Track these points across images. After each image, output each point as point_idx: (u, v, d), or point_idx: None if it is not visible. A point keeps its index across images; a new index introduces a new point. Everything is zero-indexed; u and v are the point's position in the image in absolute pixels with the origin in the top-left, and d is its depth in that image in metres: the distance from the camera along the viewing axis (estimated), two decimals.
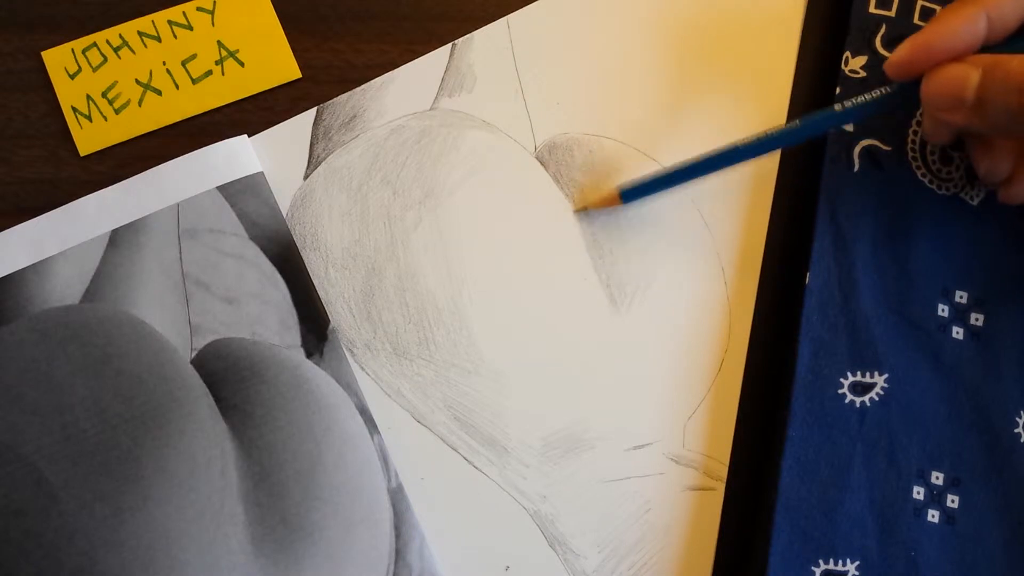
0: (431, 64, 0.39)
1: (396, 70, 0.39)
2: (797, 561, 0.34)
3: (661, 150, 0.39)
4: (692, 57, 0.40)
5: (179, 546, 0.33)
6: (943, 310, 0.36)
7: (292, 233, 0.37)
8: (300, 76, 0.39)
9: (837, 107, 0.33)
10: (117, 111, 0.38)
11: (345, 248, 0.38)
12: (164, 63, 0.39)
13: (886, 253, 0.36)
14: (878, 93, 0.33)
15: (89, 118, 0.38)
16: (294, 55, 0.39)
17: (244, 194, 0.37)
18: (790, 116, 0.39)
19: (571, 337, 0.37)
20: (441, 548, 0.35)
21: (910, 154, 0.37)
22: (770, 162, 0.38)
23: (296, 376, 0.35)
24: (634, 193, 0.37)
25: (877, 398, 0.35)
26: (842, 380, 0.35)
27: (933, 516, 0.34)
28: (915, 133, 0.37)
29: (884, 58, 0.38)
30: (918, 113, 0.37)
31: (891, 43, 0.38)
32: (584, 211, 0.38)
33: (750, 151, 0.34)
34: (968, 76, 0.31)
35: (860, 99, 0.33)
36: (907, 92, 0.33)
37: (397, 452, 0.35)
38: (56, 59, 0.38)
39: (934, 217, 0.36)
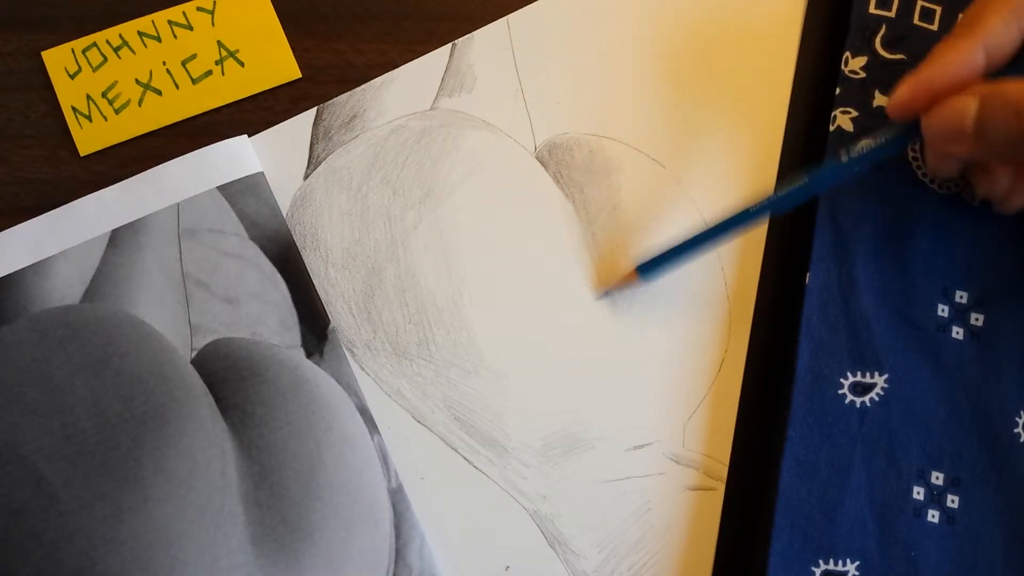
0: (431, 64, 0.39)
1: (396, 70, 0.39)
2: (797, 561, 0.34)
3: (661, 150, 0.39)
4: (692, 57, 0.40)
5: (179, 546, 0.33)
6: (943, 310, 0.36)
7: (292, 233, 0.37)
8: (300, 76, 0.39)
9: (844, 158, 0.33)
10: (117, 111, 0.38)
11: (345, 248, 0.38)
12: (164, 63, 0.39)
13: (886, 253, 0.36)
14: (883, 139, 0.33)
15: (89, 118, 0.38)
16: (294, 55, 0.39)
17: (244, 194, 0.37)
18: (789, 117, 0.39)
19: (571, 337, 0.37)
20: (441, 548, 0.35)
21: (910, 154, 0.37)
22: (770, 162, 0.38)
23: (296, 376, 0.35)
24: (652, 267, 0.36)
25: (877, 398, 0.35)
26: (842, 380, 0.35)
27: (933, 516, 0.34)
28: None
29: (884, 58, 0.38)
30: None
31: (891, 43, 0.38)
32: (606, 294, 0.37)
33: (762, 210, 0.34)
34: (967, 106, 0.30)
35: (867, 147, 0.33)
36: (909, 131, 0.33)
37: (397, 452, 0.35)
38: (56, 59, 0.38)
39: (934, 217, 0.36)
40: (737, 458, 0.36)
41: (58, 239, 0.36)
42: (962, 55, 0.31)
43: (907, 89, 0.32)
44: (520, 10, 0.40)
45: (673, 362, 0.37)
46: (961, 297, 0.36)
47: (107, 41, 0.39)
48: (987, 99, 0.30)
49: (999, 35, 0.31)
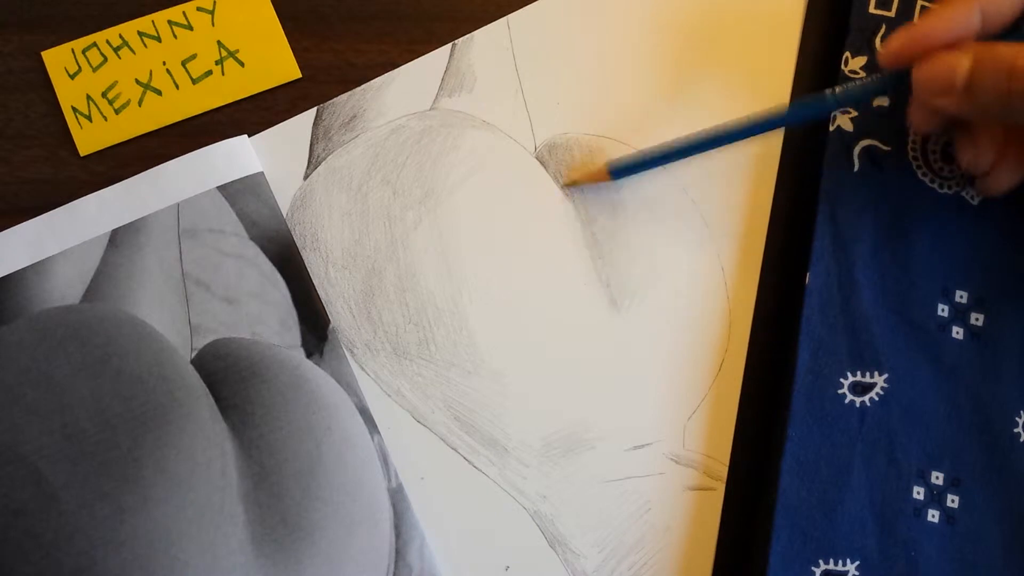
0: (431, 64, 0.39)
1: (396, 70, 0.39)
2: (797, 561, 0.34)
3: None
4: (692, 57, 0.40)
5: (179, 546, 0.33)
6: (943, 310, 0.36)
7: (292, 233, 0.37)
8: (300, 76, 0.39)
9: (828, 92, 0.33)
10: (117, 111, 0.38)
11: (345, 248, 0.38)
12: (164, 63, 0.39)
13: (886, 253, 0.36)
14: (870, 80, 0.33)
15: (89, 118, 0.38)
16: (294, 55, 0.39)
17: (244, 194, 0.37)
18: None
19: (571, 337, 0.37)
20: (441, 548, 0.35)
21: (911, 153, 0.37)
22: (770, 162, 0.38)
23: (296, 376, 0.35)
24: (623, 170, 0.37)
25: (877, 398, 0.35)
26: (842, 380, 0.35)
27: (933, 516, 0.34)
28: (915, 132, 0.37)
29: None
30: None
31: None
32: (573, 185, 0.38)
33: (740, 133, 0.35)
34: (959, 61, 0.31)
35: (851, 85, 0.33)
36: (898, 79, 0.33)
37: (397, 452, 0.35)
38: (56, 59, 0.38)
39: (934, 217, 0.36)
40: (737, 458, 0.36)
41: (58, 239, 0.36)
42: (959, 13, 0.32)
43: (901, 38, 0.32)
44: (520, 10, 0.40)
45: (673, 362, 0.37)
46: (961, 297, 0.36)
47: (107, 41, 0.39)
48: (980, 57, 0.31)
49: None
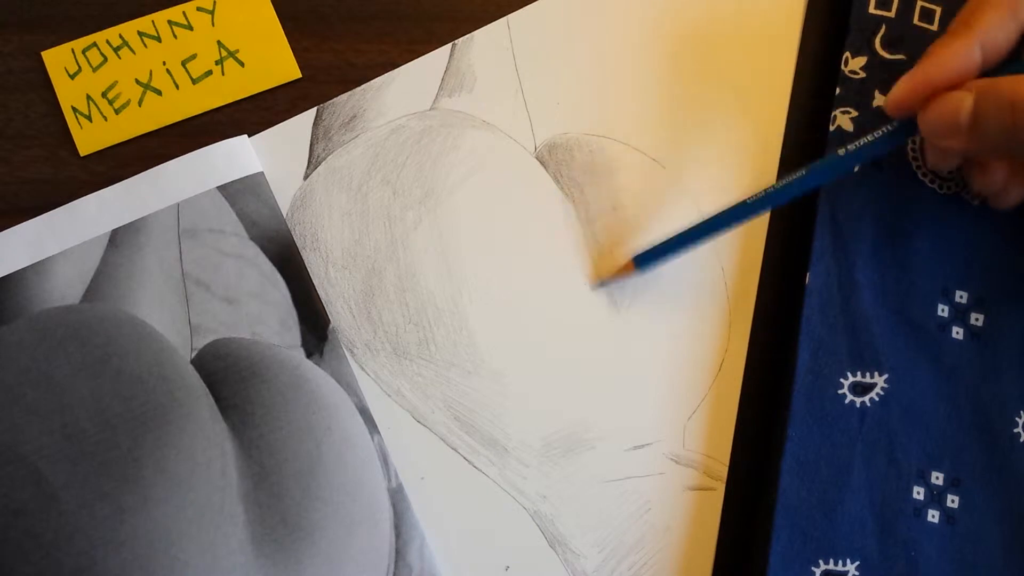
0: (431, 64, 0.39)
1: (396, 70, 0.39)
2: (797, 561, 0.34)
3: (661, 150, 0.39)
4: (692, 57, 0.40)
5: (179, 546, 0.33)
6: (943, 310, 0.36)
7: (292, 233, 0.37)
8: (300, 76, 0.39)
9: (841, 151, 0.33)
10: (117, 111, 0.38)
11: (345, 248, 0.38)
12: (164, 63, 0.39)
13: (886, 253, 0.36)
14: (880, 132, 0.33)
15: (89, 118, 0.38)
16: (294, 55, 0.39)
17: (244, 194, 0.37)
18: (789, 117, 0.39)
19: (571, 337, 0.37)
20: (441, 548, 0.35)
21: (911, 154, 0.37)
22: (770, 162, 0.38)
23: (296, 376, 0.35)
24: (648, 258, 0.36)
25: (877, 398, 0.35)
26: (842, 380, 0.35)
27: (933, 516, 0.34)
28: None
29: (884, 58, 0.38)
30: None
31: (891, 43, 0.38)
32: (601, 284, 0.37)
33: (758, 206, 0.34)
34: (962, 101, 0.31)
35: (863, 141, 0.33)
36: (907, 126, 0.33)
37: (397, 452, 0.35)
38: (56, 59, 0.38)
39: (934, 217, 0.37)
40: (737, 458, 0.36)
41: (58, 239, 0.36)
42: (958, 52, 0.32)
43: (904, 86, 0.33)
44: (520, 10, 0.40)
45: (673, 362, 0.37)
46: (961, 297, 0.36)
47: (107, 41, 0.39)
48: (982, 94, 0.31)
49: (995, 32, 0.32)
